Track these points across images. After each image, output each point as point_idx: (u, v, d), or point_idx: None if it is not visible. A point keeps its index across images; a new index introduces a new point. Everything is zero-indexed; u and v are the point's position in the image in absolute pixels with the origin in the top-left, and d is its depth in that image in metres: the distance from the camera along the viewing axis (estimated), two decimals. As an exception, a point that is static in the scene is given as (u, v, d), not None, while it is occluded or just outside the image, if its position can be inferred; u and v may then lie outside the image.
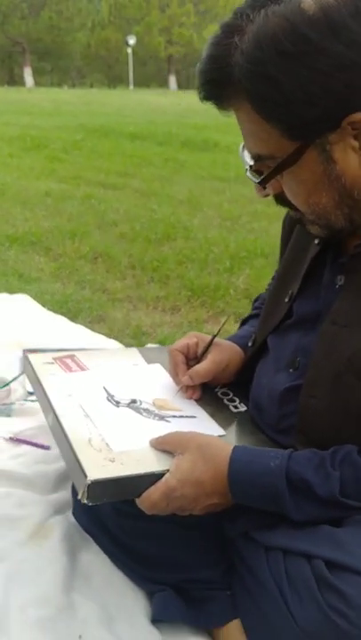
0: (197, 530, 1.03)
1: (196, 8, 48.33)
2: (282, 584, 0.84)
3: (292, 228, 1.12)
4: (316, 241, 1.01)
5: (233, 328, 2.09)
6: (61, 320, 2.22)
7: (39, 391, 1.18)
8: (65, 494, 1.29)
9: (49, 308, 2.33)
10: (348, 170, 0.84)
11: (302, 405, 0.95)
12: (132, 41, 43.25)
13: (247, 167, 0.92)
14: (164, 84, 49.96)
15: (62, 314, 2.29)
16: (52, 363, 1.24)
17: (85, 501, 0.90)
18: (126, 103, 18.27)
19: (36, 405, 1.62)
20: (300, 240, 1.07)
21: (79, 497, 0.91)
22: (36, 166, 5.75)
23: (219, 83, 0.85)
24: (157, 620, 1.01)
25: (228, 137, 8.53)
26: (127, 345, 2.04)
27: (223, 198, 4.62)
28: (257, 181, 0.90)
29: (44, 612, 1.02)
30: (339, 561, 0.80)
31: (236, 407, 1.16)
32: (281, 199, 0.93)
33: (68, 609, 1.04)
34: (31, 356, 1.26)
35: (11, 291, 2.47)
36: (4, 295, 2.40)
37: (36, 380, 1.20)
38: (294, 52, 0.77)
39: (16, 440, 1.48)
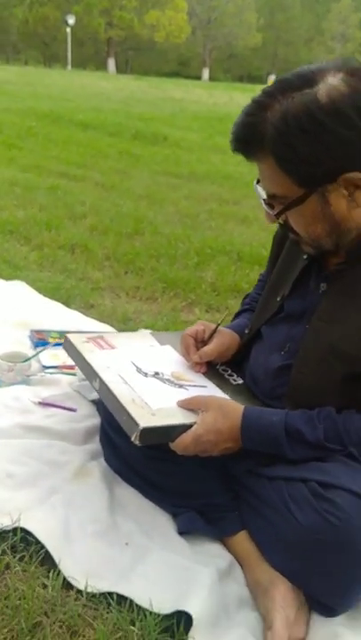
0: (212, 469, 1.38)
1: (137, -8, 47.89)
2: (285, 498, 1.19)
3: (281, 244, 1.48)
4: (305, 256, 1.37)
5: (203, 317, 2.45)
6: (58, 305, 2.51)
7: (81, 362, 1.49)
8: (94, 446, 1.61)
9: (43, 294, 2.61)
10: (339, 211, 1.17)
11: (293, 379, 1.31)
12: (71, 20, 42.44)
13: (261, 200, 1.26)
14: (102, 65, 49.29)
15: (56, 300, 2.57)
16: (88, 342, 1.56)
17: (137, 443, 1.24)
18: (68, 86, 18.14)
19: (55, 378, 1.95)
20: (291, 254, 1.43)
21: (132, 439, 1.24)
22: (-6, 152, 5.89)
23: (251, 143, 1.17)
24: (183, 532, 1.36)
25: (175, 131, 8.86)
26: (118, 329, 2.36)
27: (180, 195, 4.94)
28: (273, 214, 1.24)
29: (96, 527, 1.35)
30: (328, 482, 1.15)
31: (235, 380, 1.52)
32: (285, 226, 1.28)
33: (113, 526, 1.37)
34: (71, 337, 1.57)
35: (5, 278, 2.73)
36: (2, 281, 2.67)
37: (78, 355, 1.50)
38: (310, 129, 1.10)
39: (45, 404, 1.78)
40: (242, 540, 1.32)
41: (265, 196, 1.23)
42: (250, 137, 1.16)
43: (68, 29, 41.91)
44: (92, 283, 2.86)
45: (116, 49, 51.00)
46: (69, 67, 40.00)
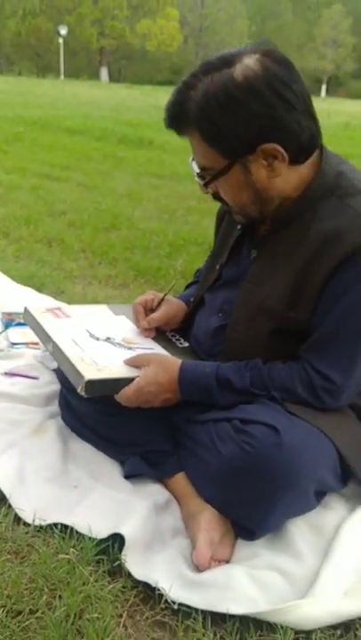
0: (155, 419, 1.51)
1: (128, 2, 48.26)
2: (212, 437, 1.34)
3: (222, 219, 1.62)
4: (238, 227, 1.51)
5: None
6: (29, 290, 2.65)
7: (38, 330, 1.63)
8: (53, 408, 1.74)
9: (17, 282, 2.75)
10: (260, 179, 1.30)
11: (228, 337, 1.45)
12: (63, 31, 42.86)
13: (195, 173, 1.40)
14: (94, 75, 49.66)
15: (29, 286, 2.71)
16: (45, 312, 1.70)
17: (83, 394, 1.37)
18: (59, 95, 18.35)
19: (20, 351, 2.09)
20: (227, 227, 1.57)
21: (79, 391, 1.38)
22: (-20, 157, 6.05)
23: (180, 120, 1.30)
24: (129, 475, 1.48)
25: (161, 135, 8.98)
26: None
27: (160, 194, 5.09)
28: (202, 183, 1.38)
29: (49, 473, 1.49)
30: (248, 418, 1.28)
31: (181, 343, 1.66)
32: (216, 197, 1.41)
33: (65, 472, 1.51)
34: (30, 308, 1.71)
35: (-19, 268, 2.87)
36: (-23, 271, 2.81)
37: (36, 324, 1.64)
38: (227, 105, 1.23)
39: (10, 374, 1.92)
40: (179, 479, 1.46)
41: (197, 170, 1.36)
42: (178, 114, 1.29)
43: (61, 40, 42.31)
44: (65, 272, 3.00)
45: (108, 58, 51.38)
46: (62, 76, 40.34)
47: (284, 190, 1.32)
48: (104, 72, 49.55)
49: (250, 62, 1.23)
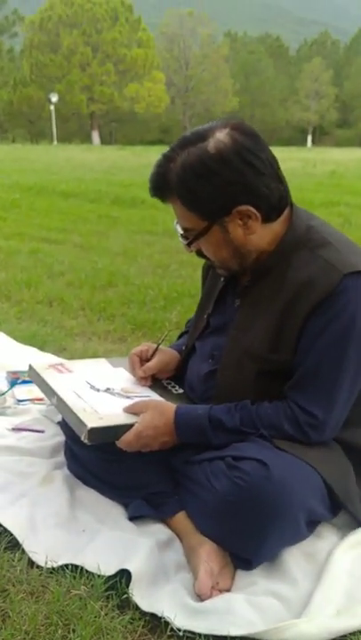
0: (155, 463, 1.62)
1: (115, 67, 50.09)
2: (208, 475, 1.45)
3: (207, 272, 1.78)
4: (222, 279, 1.66)
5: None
6: (32, 350, 2.79)
7: (43, 385, 1.76)
8: (59, 459, 1.85)
9: (20, 342, 2.89)
10: (237, 237, 1.45)
11: (218, 381, 1.58)
12: (54, 98, 44.39)
13: (179, 235, 1.55)
14: (87, 139, 51.15)
15: (32, 346, 2.85)
16: (49, 368, 1.83)
17: (86, 441, 1.49)
18: (53, 160, 18.93)
19: (26, 407, 2.21)
20: (213, 279, 1.72)
21: (82, 439, 1.49)
22: (-20, 224, 6.29)
23: (162, 189, 1.47)
24: (133, 517, 1.59)
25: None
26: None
27: (154, 250, 5.29)
28: (185, 243, 1.53)
29: (58, 519, 1.58)
30: (239, 455, 1.40)
31: (176, 390, 1.78)
32: (200, 254, 1.56)
33: (73, 518, 1.60)
34: (34, 364, 1.84)
35: (-16, 331, 3.01)
36: (-18, 334, 2.95)
37: (40, 379, 1.78)
38: (202, 174, 1.39)
39: (17, 429, 2.04)
40: (180, 518, 1.56)
41: (181, 231, 1.52)
42: (160, 185, 1.46)
43: (52, 107, 43.75)
44: (66, 330, 3.14)
45: (99, 122, 53.07)
46: (55, 142, 41.53)
47: (260, 245, 1.47)
48: (95, 135, 51.10)
49: (221, 136, 1.40)
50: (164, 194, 1.47)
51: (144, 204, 8.31)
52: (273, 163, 1.43)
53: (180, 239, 1.53)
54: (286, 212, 1.48)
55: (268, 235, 1.47)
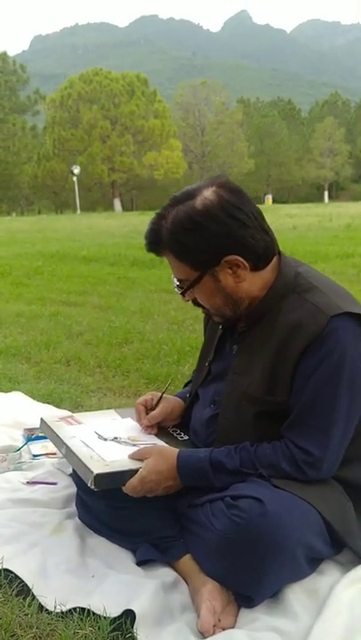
0: (160, 508, 1.67)
1: (134, 138, 52.05)
2: (209, 516, 1.50)
3: (208, 322, 1.87)
4: (220, 327, 1.75)
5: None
6: (49, 407, 2.88)
7: (53, 437, 1.84)
8: (71, 509, 1.91)
9: (38, 400, 2.98)
10: (228, 285, 1.55)
11: (219, 424, 1.65)
12: (76, 170, 46.10)
13: (175, 285, 1.65)
14: (109, 206, 52.70)
15: (49, 403, 2.94)
16: (59, 421, 1.92)
17: (93, 487, 1.55)
18: (76, 228, 19.53)
19: (41, 462, 2.28)
20: (212, 328, 1.81)
21: (89, 485, 1.56)
22: (3, 291, 6.50)
23: (156, 244, 1.58)
24: (140, 562, 1.63)
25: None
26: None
27: (170, 307, 5.42)
28: (180, 293, 1.63)
29: (69, 566, 1.63)
30: (238, 494, 1.45)
31: (181, 437, 1.85)
32: (196, 303, 1.65)
33: (83, 564, 1.65)
34: (45, 417, 1.93)
35: (5, 391, 3.12)
36: (2, 394, 3.06)
37: (50, 431, 1.86)
38: (191, 228, 1.50)
39: (31, 482, 2.11)
40: (186, 561, 1.59)
41: (177, 282, 1.62)
42: (154, 240, 1.58)
43: (75, 178, 45.36)
44: (82, 387, 3.23)
45: (120, 190, 54.76)
46: (79, 211, 42.85)
47: (251, 292, 1.56)
48: (117, 203, 52.63)
49: (207, 194, 1.51)
50: (158, 248, 1.58)
51: (162, 263, 8.47)
52: (257, 216, 1.53)
53: (176, 289, 1.63)
54: (275, 260, 1.58)
55: (259, 282, 1.56)
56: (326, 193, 66.01)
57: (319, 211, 24.76)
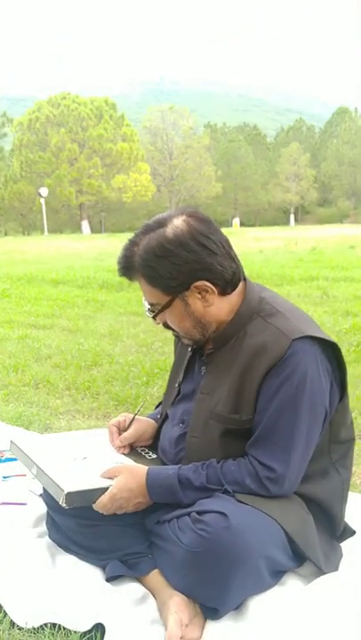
0: (129, 525, 1.72)
1: (102, 161, 52.29)
2: (176, 531, 1.55)
3: (177, 343, 1.94)
4: (190, 349, 1.82)
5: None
6: (18, 429, 2.90)
7: (23, 458, 1.88)
8: (41, 529, 1.94)
9: (7, 423, 3.00)
10: (197, 309, 1.62)
11: (188, 443, 1.72)
12: (44, 192, 46.07)
13: (146, 309, 1.72)
14: (77, 229, 52.69)
15: (18, 426, 2.97)
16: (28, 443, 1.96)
17: (64, 505, 1.60)
18: (43, 250, 19.49)
19: (10, 483, 2.31)
20: (181, 350, 1.88)
21: (60, 503, 1.61)
22: (-29, 314, 6.50)
23: (128, 269, 1.64)
24: (110, 578, 1.67)
25: (140, 277, 9.65)
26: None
27: (139, 330, 5.49)
28: (151, 317, 1.71)
29: (40, 582, 1.66)
30: (204, 510, 1.51)
31: (150, 456, 1.90)
32: (166, 326, 1.72)
33: (53, 581, 1.68)
34: (15, 440, 1.97)
35: (-27, 414, 3.14)
36: (-31, 417, 3.07)
37: (20, 453, 1.90)
38: (162, 255, 1.57)
39: (1, 504, 2.14)
40: (154, 575, 1.64)
41: (148, 306, 1.70)
42: (127, 265, 1.65)
43: (42, 200, 45.33)
44: (51, 409, 3.27)
45: (88, 212, 54.83)
46: (46, 232, 42.72)
47: (219, 316, 1.64)
48: (85, 225, 52.68)
49: (178, 222, 1.59)
50: (129, 273, 1.65)
51: (131, 287, 8.56)
52: (225, 244, 1.61)
53: (147, 313, 1.70)
54: (241, 285, 1.67)
55: (226, 306, 1.64)
56: (292, 216, 67.25)
57: (285, 234, 25.22)
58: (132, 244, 1.62)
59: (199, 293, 1.60)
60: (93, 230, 53.85)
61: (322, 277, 9.03)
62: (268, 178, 68.01)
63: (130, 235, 1.70)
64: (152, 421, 1.96)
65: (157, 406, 2.12)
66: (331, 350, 1.60)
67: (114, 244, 21.56)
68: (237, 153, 67.28)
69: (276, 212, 69.71)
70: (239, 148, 67.99)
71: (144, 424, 1.94)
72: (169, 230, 1.57)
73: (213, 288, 1.59)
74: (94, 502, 1.62)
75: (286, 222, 63.46)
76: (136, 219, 56.06)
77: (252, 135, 77.29)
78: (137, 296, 7.71)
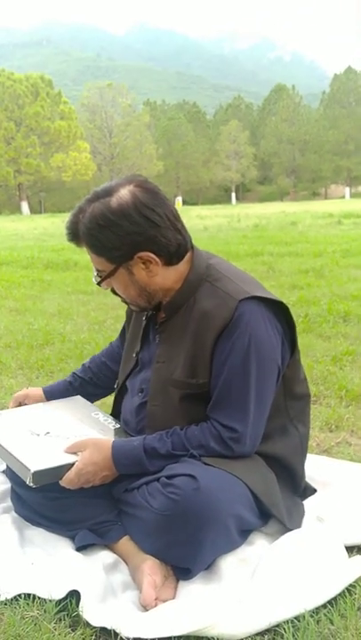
0: (97, 496, 1.73)
1: (40, 139, 51.07)
2: (145, 496, 1.58)
3: (130, 316, 1.95)
4: (144, 318, 1.84)
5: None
6: (-26, 409, 2.85)
7: None
8: (6, 504, 1.93)
9: None
10: (141, 279, 1.64)
11: (149, 412, 1.74)
12: (-20, 173, 44.80)
13: (94, 275, 1.72)
14: (16, 209, 51.49)
15: (-28, 406, 2.92)
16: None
17: (32, 484, 1.60)
18: (-17, 232, 19.03)
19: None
20: (136, 320, 1.90)
21: (27, 482, 1.60)
22: None
23: (75, 236, 1.64)
24: (79, 547, 1.68)
25: (84, 256, 9.52)
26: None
27: (89, 308, 5.44)
28: (96, 283, 1.71)
29: (9, 556, 1.66)
30: (172, 474, 1.54)
31: (113, 425, 1.91)
32: (114, 292, 1.73)
33: (22, 554, 1.69)
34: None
35: None
36: None
37: None
38: (104, 225, 1.57)
39: None
40: (124, 542, 1.67)
41: (95, 272, 1.70)
42: (73, 232, 1.65)
43: (-21, 181, 43.99)
44: (5, 389, 3.22)
45: (27, 192, 53.56)
46: (-16, 214, 41.55)
47: (164, 284, 1.67)
48: (25, 206, 51.48)
49: (123, 192, 1.59)
50: (76, 239, 1.66)
51: (77, 265, 8.51)
52: (170, 216, 1.61)
53: (93, 279, 1.71)
54: (189, 254, 1.69)
55: (173, 275, 1.66)
56: (234, 194, 67.59)
57: (227, 212, 25.39)
58: (79, 210, 1.63)
59: (143, 264, 1.61)
60: (33, 211, 52.74)
61: (267, 253, 9.16)
62: (208, 156, 68.06)
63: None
64: (40, 391, 2.10)
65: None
66: (278, 309, 1.65)
67: (56, 224, 21.21)
68: (178, 131, 67.00)
69: (217, 191, 69.97)
70: (179, 126, 67.70)
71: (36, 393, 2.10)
72: (114, 200, 1.57)
73: (157, 259, 1.61)
74: (61, 479, 1.63)
75: (228, 200, 63.79)
76: (76, 198, 54.59)
77: (192, 113, 77.06)
78: (84, 275, 7.65)
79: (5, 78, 51.78)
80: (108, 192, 1.60)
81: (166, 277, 1.65)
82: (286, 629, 1.35)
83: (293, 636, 1.33)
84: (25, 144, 50.15)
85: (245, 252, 9.27)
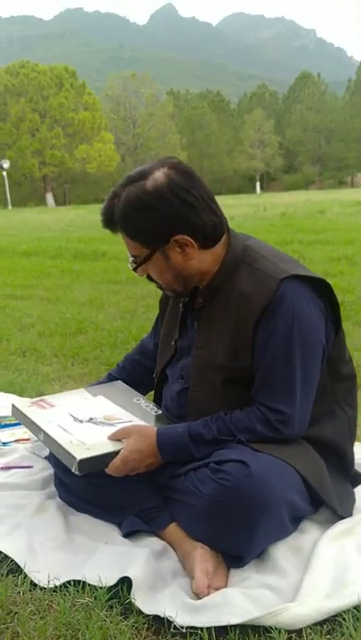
0: (143, 482, 1.71)
1: (64, 131, 51.25)
2: (194, 482, 1.55)
3: (166, 302, 1.91)
4: (181, 305, 1.80)
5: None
6: (12, 396, 2.85)
7: (28, 423, 1.84)
8: (50, 490, 1.92)
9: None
10: (177, 263, 1.60)
11: (191, 398, 1.70)
12: (5, 164, 44.98)
13: (130, 261, 1.68)
14: (41, 201, 51.78)
15: (10, 393, 2.92)
16: (31, 405, 1.92)
17: (77, 472, 1.58)
18: (9, 223, 19.12)
19: (12, 448, 2.27)
20: (173, 308, 1.86)
21: (73, 471, 1.58)
22: None
23: (110, 222, 1.61)
24: (126, 533, 1.66)
25: (113, 247, 9.53)
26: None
27: (120, 297, 5.43)
28: (132, 269, 1.67)
29: (55, 543, 1.65)
30: (222, 459, 1.51)
31: (155, 411, 1.89)
32: (149, 278, 1.69)
33: (69, 541, 1.67)
34: (17, 403, 1.93)
35: None
36: None
37: (24, 418, 1.85)
38: (140, 209, 1.54)
39: (6, 468, 2.10)
40: (172, 529, 1.64)
41: (131, 258, 1.66)
42: (108, 218, 1.61)
43: (4, 173, 44.25)
44: (42, 376, 3.22)
45: (52, 184, 53.84)
46: (10, 206, 41.85)
47: (201, 268, 1.63)
48: (50, 197, 51.76)
49: (158, 175, 1.55)
50: (111, 225, 1.62)
51: (105, 255, 8.51)
52: (206, 197, 1.58)
53: (129, 265, 1.68)
54: (225, 236, 1.64)
55: (209, 258, 1.62)
56: (258, 184, 67.06)
57: (253, 201, 25.16)
58: (114, 195, 1.59)
59: (179, 247, 1.58)
60: (58, 202, 52.96)
61: (296, 241, 9.06)
62: (232, 145, 67.57)
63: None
64: None
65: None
66: (321, 287, 1.60)
67: (81, 216, 21.26)
68: (201, 120, 66.60)
69: (241, 180, 69.46)
70: (203, 115, 67.27)
71: None
72: (149, 183, 1.54)
73: (193, 242, 1.57)
74: (106, 466, 1.61)
75: (252, 190, 63.32)
76: (101, 190, 55.32)
77: (216, 102, 76.46)
78: (113, 265, 7.64)
79: (30, 70, 51.95)
80: (143, 175, 1.56)
81: (203, 261, 1.61)
82: (346, 619, 1.31)
83: (354, 625, 1.29)
84: (49, 135, 50.31)
85: (274, 240, 9.16)
